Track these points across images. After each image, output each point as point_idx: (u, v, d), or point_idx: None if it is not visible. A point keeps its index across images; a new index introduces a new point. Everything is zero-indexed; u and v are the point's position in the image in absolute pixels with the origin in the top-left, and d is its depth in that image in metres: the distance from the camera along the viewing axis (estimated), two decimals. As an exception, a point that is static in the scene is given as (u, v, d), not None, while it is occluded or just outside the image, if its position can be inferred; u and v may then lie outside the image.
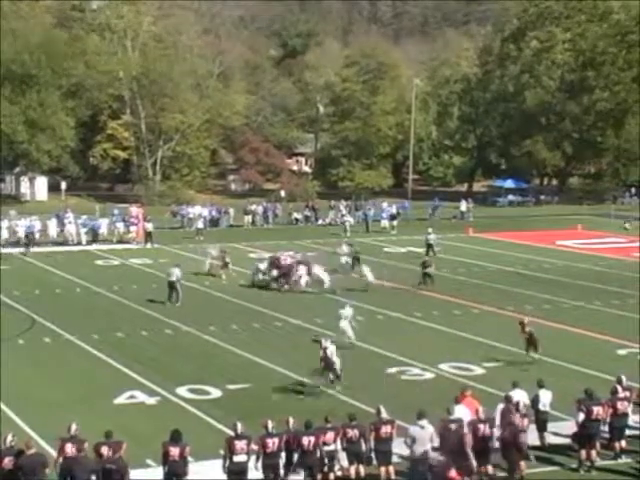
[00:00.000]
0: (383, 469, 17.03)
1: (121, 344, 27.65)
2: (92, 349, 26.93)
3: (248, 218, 60.14)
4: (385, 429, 17.08)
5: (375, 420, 17.25)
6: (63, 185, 69.35)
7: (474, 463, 16.68)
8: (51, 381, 23.62)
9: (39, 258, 44.44)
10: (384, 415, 17.28)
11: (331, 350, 23.16)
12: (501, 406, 17.84)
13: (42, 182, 74.68)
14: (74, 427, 15.82)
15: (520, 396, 18.51)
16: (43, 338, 28.21)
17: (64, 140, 71.08)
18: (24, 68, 70.36)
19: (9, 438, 15.61)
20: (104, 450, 15.56)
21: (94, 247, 48.41)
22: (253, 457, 16.21)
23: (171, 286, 33.38)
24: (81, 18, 78.60)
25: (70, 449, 15.63)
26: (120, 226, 51.42)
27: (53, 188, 72.86)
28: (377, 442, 16.99)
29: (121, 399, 22.07)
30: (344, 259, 40.40)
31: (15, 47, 70.02)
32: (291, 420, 16.77)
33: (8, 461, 15.32)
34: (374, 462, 17.14)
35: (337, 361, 23.15)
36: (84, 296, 35.31)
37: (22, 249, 46.42)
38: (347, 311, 27.26)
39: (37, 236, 49.01)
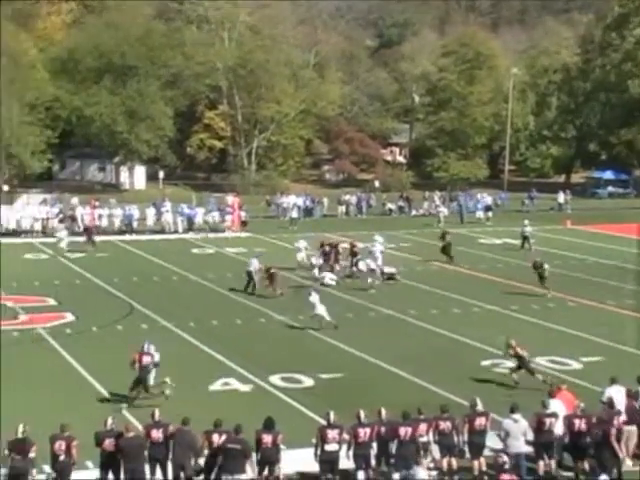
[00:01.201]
0: (476, 462, 16.82)
1: (216, 332, 27.98)
2: (188, 336, 27.32)
3: (342, 208, 60.18)
4: (479, 421, 16.88)
5: (470, 412, 17.05)
6: (161, 174, 70.56)
7: (621, 454, 16.46)
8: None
9: (137, 246, 45.33)
10: (479, 407, 17.07)
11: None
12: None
13: (141, 171, 76.11)
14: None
15: (617, 393, 18.02)
16: (140, 324, 28.73)
17: (162, 130, 72.28)
18: (124, 59, 71.84)
19: (109, 421, 15.97)
20: (215, 438, 15.76)
21: (190, 235, 49.12)
22: (345, 446, 16.20)
23: (249, 276, 33.79)
24: (180, 10, 79.69)
25: (155, 434, 15.99)
26: (215, 215, 52.08)
27: (151, 177, 74.19)
28: (471, 434, 16.79)
29: (216, 386, 22.33)
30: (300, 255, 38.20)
31: (116, 39, 71.50)
32: (383, 411, 16.69)
33: (108, 443, 15.68)
34: (467, 455, 16.95)
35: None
36: (180, 284, 35.85)
37: (121, 237, 47.53)
38: (314, 297, 28.01)
39: (135, 224, 50.04)
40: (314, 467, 16.31)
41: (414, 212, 61.34)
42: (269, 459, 15.93)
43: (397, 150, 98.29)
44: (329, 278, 35.32)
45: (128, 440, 15.73)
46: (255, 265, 33.94)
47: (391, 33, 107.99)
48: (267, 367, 23.70)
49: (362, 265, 35.48)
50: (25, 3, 78.75)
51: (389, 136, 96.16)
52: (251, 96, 76.75)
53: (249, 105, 76.87)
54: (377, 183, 74.76)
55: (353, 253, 37.47)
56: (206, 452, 15.92)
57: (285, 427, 16.57)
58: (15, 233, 47.42)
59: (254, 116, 77.02)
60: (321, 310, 27.74)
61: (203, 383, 22.33)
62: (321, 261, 36.69)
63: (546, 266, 33.88)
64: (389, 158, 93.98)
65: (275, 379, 22.85)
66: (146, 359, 20.74)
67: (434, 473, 16.60)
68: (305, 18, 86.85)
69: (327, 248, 37.50)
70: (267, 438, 15.89)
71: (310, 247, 38.92)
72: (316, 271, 35.71)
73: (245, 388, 22.30)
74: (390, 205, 62.06)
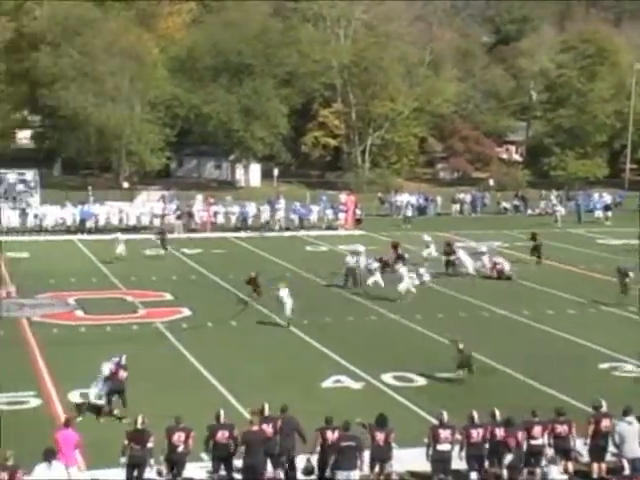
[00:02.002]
0: (596, 465, 16.36)
1: (328, 329, 28.07)
2: (300, 333, 27.47)
3: (456, 207, 59.63)
4: (605, 423, 16.47)
5: (595, 413, 16.61)
6: (275, 172, 71.16)
7: None
8: (261, 362, 24.24)
9: (252, 243, 45.89)
10: (604, 409, 16.62)
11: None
12: None
13: (256, 169, 77.03)
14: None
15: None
16: (254, 320, 29.04)
17: (277, 128, 72.98)
18: (241, 58, 72.83)
19: (222, 414, 16.19)
20: (329, 434, 15.79)
21: (304, 233, 49.43)
22: (457, 447, 16.02)
23: (350, 272, 33.74)
24: (295, 8, 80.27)
25: (267, 429, 16.06)
26: (329, 213, 52.29)
27: (266, 175, 74.94)
28: (595, 437, 16.35)
29: (328, 383, 22.38)
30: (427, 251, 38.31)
31: (233, 38, 72.55)
32: (497, 412, 16.42)
33: (221, 435, 15.88)
34: (583, 459, 16.52)
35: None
36: (293, 281, 36.03)
37: (236, 233, 48.26)
38: (283, 292, 28.22)
39: (250, 221, 50.68)
40: (426, 467, 16.18)
41: (530, 211, 60.28)
42: (381, 456, 15.87)
43: (513, 148, 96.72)
44: (426, 275, 35.11)
45: (251, 434, 15.89)
46: (358, 261, 34.23)
47: (509, 29, 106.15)
48: (379, 365, 23.62)
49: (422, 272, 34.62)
50: (148, 4, 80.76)
51: (505, 134, 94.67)
52: (365, 94, 76.72)
53: (363, 103, 76.86)
54: (492, 182, 73.66)
55: (447, 252, 37.23)
56: (317, 449, 15.96)
57: (397, 426, 16.47)
58: (135, 229, 48.62)
59: (368, 114, 76.96)
60: (288, 305, 27.81)
61: (315, 380, 22.41)
62: (375, 264, 34.65)
63: (631, 274, 32.23)
64: (505, 156, 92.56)
65: (387, 377, 22.76)
66: (122, 374, 19.95)
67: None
68: (420, 15, 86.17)
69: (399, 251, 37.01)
70: (380, 435, 15.84)
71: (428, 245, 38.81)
72: (376, 277, 33.05)
73: (357, 386, 22.29)
74: (505, 204, 61.17)
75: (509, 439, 15.96)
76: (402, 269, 32.22)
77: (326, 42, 77.24)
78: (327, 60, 75.77)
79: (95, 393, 19.64)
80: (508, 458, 15.97)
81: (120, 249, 38.68)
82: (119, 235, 40.32)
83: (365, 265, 34.52)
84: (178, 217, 49.53)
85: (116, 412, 19.59)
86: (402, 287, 31.40)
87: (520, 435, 16.01)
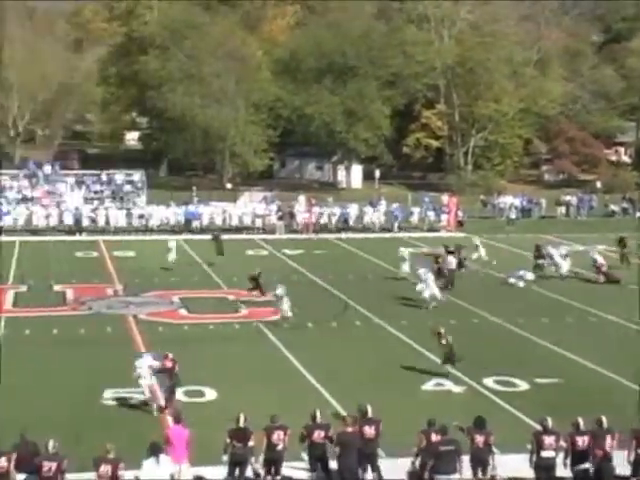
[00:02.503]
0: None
1: (428, 331, 27.75)
2: (401, 334, 27.30)
3: (561, 209, 58.48)
4: None
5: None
6: (377, 173, 71.12)
7: None
8: (361, 363, 24.16)
9: (353, 244, 45.87)
10: None
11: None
12: None
13: (357, 170, 77.04)
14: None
15: None
16: (354, 321, 29.01)
17: (380, 129, 72.84)
18: (345, 60, 72.98)
19: (317, 414, 16.16)
20: (433, 437, 15.60)
21: (404, 234, 49.17)
22: (561, 454, 15.62)
23: (440, 273, 33.51)
24: (400, 9, 79.99)
25: (368, 430, 15.97)
26: (431, 214, 51.90)
27: (368, 176, 74.91)
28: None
29: (428, 385, 22.16)
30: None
31: (337, 39, 72.76)
32: (604, 419, 15.94)
33: (317, 435, 15.87)
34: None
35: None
36: (394, 282, 35.86)
37: (337, 234, 48.38)
38: (280, 290, 28.85)
39: (351, 222, 50.69)
40: (528, 473, 15.82)
41: (639, 214, 58.63)
42: (481, 459, 15.61)
43: (622, 150, 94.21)
44: (528, 274, 34.47)
45: (346, 435, 15.83)
46: (451, 262, 34.24)
47: (619, 28, 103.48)
48: (481, 369, 23.26)
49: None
50: (253, 7, 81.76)
51: (614, 135, 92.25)
52: (469, 95, 75.90)
53: (467, 104, 76.05)
54: (599, 184, 71.97)
55: (537, 256, 36.73)
56: (415, 450, 15.80)
57: (499, 431, 16.17)
58: (237, 230, 49.17)
59: (472, 115, 76.11)
60: (286, 304, 28.29)
61: (415, 382, 22.22)
62: (407, 268, 35.08)
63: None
64: (613, 158, 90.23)
65: (489, 381, 22.40)
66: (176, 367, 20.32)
67: None
68: (527, 15, 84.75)
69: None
70: (479, 438, 15.58)
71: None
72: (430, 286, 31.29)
73: (458, 389, 22.00)
74: (613, 206, 59.66)
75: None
76: (429, 276, 31.28)
77: (430, 43, 76.71)
78: (431, 61, 75.25)
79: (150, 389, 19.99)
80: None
81: (171, 256, 37.31)
82: (169, 241, 38.61)
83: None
84: (279, 218, 49.88)
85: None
86: (427, 293, 30.51)
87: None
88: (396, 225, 50.60)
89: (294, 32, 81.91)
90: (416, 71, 74.85)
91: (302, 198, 53.97)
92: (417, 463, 15.75)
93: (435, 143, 78.95)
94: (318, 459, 15.92)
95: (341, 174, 77.32)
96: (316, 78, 74.02)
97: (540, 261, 36.51)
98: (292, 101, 73.20)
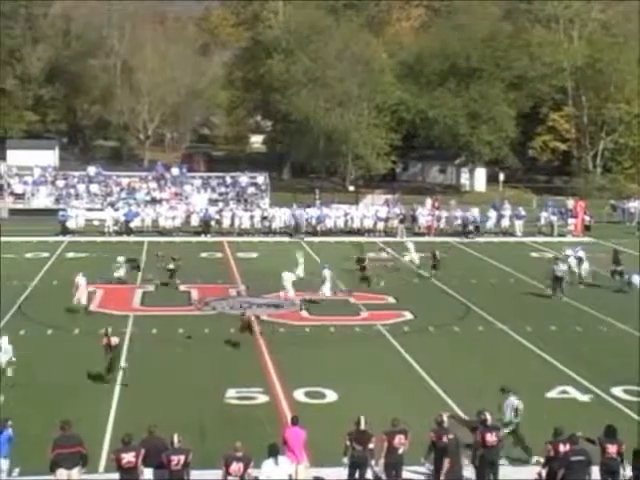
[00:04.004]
0: None
1: (554, 338, 27.20)
2: (524, 340, 26.80)
3: (696, 214, 56.26)
4: None
5: None
6: (501, 176, 69.98)
7: None
8: (483, 368, 23.83)
9: (476, 248, 45.30)
10: None
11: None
12: None
13: (481, 173, 76.06)
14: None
15: None
16: (477, 326, 28.62)
17: (504, 132, 71.71)
18: (469, 62, 72.22)
19: (445, 419, 15.98)
20: (561, 447, 15.30)
21: (530, 239, 48.26)
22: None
23: (557, 279, 32.63)
24: (528, 10, 78.56)
25: (445, 438, 15.77)
26: (554, 218, 50.79)
27: (491, 179, 73.81)
28: None
29: (553, 393, 21.68)
30: None
31: (462, 42, 72.07)
32: None
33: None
34: None
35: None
36: (517, 287, 35.27)
37: (460, 238, 47.86)
38: (326, 272, 31.57)
39: (474, 226, 50.03)
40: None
41: None
42: (611, 469, 15.17)
43: None
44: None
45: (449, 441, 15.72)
46: (564, 268, 33.51)
47: None
48: (609, 378, 22.60)
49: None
50: (378, 10, 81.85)
51: None
52: (599, 96, 73.84)
53: (596, 106, 74.04)
54: None
55: (616, 261, 35.80)
56: (541, 460, 15.46)
57: (630, 443, 15.64)
58: (359, 232, 49.18)
59: (601, 117, 74.03)
60: (327, 286, 31.44)
61: (539, 389, 21.74)
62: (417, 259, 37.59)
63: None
64: None
65: (617, 391, 21.74)
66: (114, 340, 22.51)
67: None
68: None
69: None
70: (611, 448, 15.15)
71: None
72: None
73: (584, 398, 21.43)
74: None
75: None
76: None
77: (558, 44, 75.03)
78: (558, 62, 73.59)
79: None
80: None
81: (299, 271, 34.96)
82: (299, 256, 35.99)
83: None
84: (401, 221, 49.68)
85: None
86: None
87: None
88: (520, 229, 49.67)
89: (419, 34, 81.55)
90: (543, 73, 73.30)
91: (428, 201, 53.73)
92: (544, 473, 15.41)
93: (562, 146, 77.18)
94: (490, 463, 15.80)
95: (464, 177, 76.50)
96: (440, 81, 73.48)
97: (619, 268, 35.24)
98: (415, 104, 72.86)
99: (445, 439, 15.64)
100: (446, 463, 15.42)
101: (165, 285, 33.64)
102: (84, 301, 29.66)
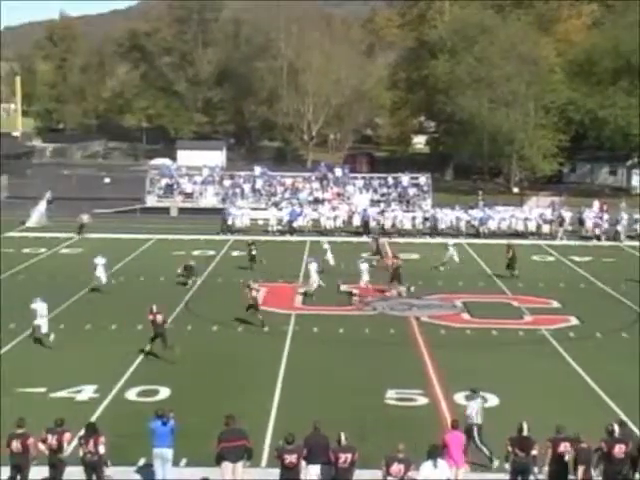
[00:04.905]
0: None
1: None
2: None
3: None
4: None
5: None
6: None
7: None
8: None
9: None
10: None
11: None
12: None
13: None
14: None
15: None
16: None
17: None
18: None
19: (616, 428, 15.44)
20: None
21: None
22: None
23: None
24: None
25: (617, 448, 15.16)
26: None
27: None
28: None
29: None
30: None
31: (635, 39, 69.36)
32: None
33: (618, 449, 15.17)
34: None
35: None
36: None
37: (630, 242, 46.17)
38: (312, 265, 32.71)
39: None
40: None
41: None
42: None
43: None
44: None
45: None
46: None
47: None
48: None
49: None
50: (548, 8, 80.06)
51: None
52: None
53: None
54: None
55: None
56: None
57: None
58: (522, 235, 48.18)
59: None
60: (313, 277, 32.50)
61: None
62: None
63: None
64: None
65: None
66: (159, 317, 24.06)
67: None
68: None
69: None
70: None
71: None
72: None
73: None
74: None
75: None
76: None
77: None
78: None
79: None
80: None
81: (450, 254, 38.45)
82: (449, 246, 39.78)
83: None
84: (559, 224, 48.31)
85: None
86: None
87: None
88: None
89: (590, 32, 79.18)
90: None
91: (596, 203, 52.16)
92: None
93: None
94: (617, 473, 15.22)
95: (636, 179, 73.72)
96: (612, 80, 71.10)
97: None
98: (585, 104, 70.78)
99: (617, 449, 15.06)
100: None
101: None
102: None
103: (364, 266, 33.80)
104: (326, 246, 38.31)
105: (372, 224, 49.45)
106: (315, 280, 32.74)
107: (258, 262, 37.09)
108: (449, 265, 38.11)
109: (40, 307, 25.69)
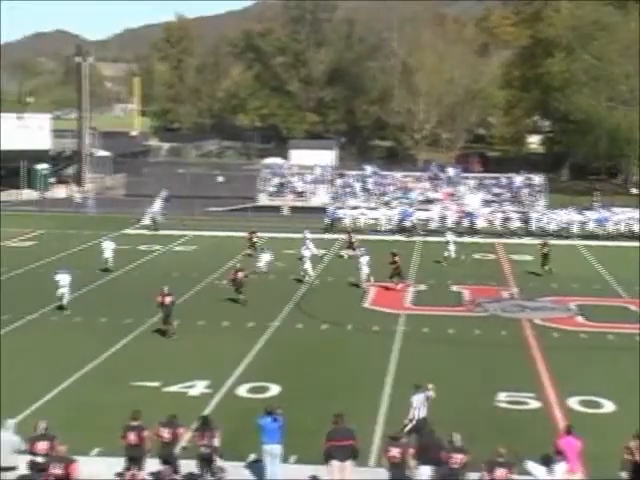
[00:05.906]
0: None
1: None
2: None
3: None
4: None
5: None
6: None
7: None
8: None
9: None
10: None
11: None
12: None
13: None
14: None
15: None
16: None
17: None
18: None
19: None
20: None
21: None
22: None
23: None
24: None
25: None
26: None
27: None
28: None
29: None
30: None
31: None
32: None
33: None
34: None
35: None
36: None
37: None
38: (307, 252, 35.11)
39: None
40: None
41: None
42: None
43: None
44: None
45: None
46: None
47: None
48: None
49: None
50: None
51: None
52: None
53: None
54: None
55: None
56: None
57: None
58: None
59: None
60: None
61: None
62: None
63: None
64: None
65: None
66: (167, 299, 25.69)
67: None
68: None
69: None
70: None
71: None
72: None
73: None
74: None
75: None
76: None
77: None
78: None
79: None
80: None
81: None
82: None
83: None
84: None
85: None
86: None
87: None
88: None
89: None
90: None
91: None
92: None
93: None
94: None
95: None
96: None
97: None
98: None
99: None
100: None
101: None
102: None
103: (364, 259, 33.60)
104: (451, 247, 38.41)
105: (483, 224, 48.95)
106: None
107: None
108: (445, 262, 38.29)
109: (62, 278, 28.17)
